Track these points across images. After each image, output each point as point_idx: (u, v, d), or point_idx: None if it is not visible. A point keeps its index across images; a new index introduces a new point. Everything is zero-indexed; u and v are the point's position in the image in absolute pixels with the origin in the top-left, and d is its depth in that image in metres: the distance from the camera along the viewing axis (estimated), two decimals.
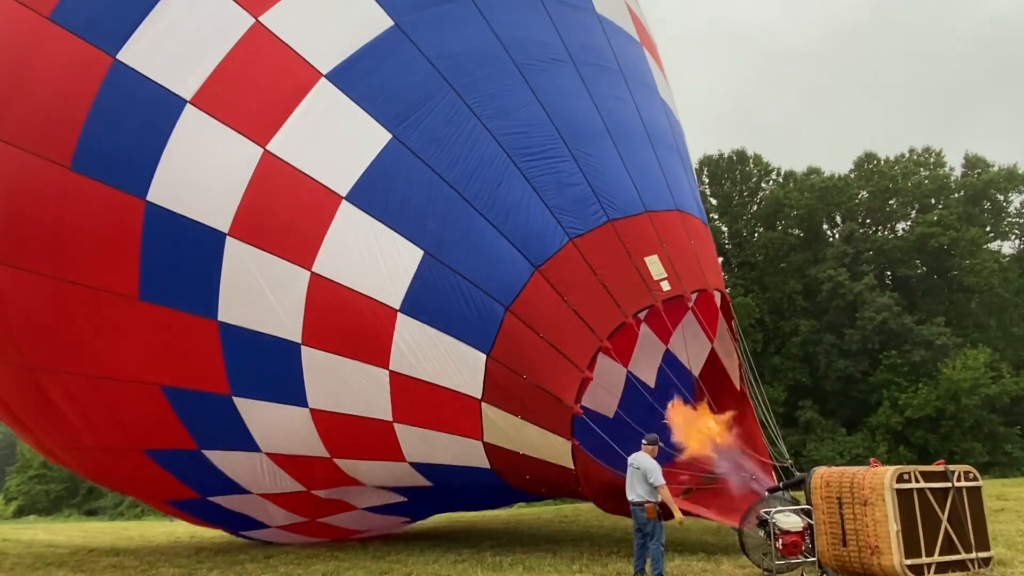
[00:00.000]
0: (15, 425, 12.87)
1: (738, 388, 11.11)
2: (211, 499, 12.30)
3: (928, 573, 7.36)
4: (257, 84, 9.07)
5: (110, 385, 10.24)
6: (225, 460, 10.97)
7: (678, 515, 8.10)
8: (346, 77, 9.09)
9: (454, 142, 9.11)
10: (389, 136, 9.00)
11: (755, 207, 45.17)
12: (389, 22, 9.29)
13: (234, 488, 11.66)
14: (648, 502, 7.90)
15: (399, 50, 9.29)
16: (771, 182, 46.16)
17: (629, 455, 8.42)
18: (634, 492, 8.04)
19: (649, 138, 10.62)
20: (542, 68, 9.91)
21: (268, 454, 10.59)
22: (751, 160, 46.01)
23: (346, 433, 9.88)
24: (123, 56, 8.92)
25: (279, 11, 9.11)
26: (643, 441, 8.25)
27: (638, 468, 8.02)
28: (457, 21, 9.68)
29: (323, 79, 9.04)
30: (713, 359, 11.37)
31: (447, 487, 11.18)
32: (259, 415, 10.01)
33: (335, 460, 10.39)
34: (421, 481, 10.75)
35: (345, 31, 9.27)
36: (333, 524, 13.52)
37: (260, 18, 9.05)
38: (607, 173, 9.70)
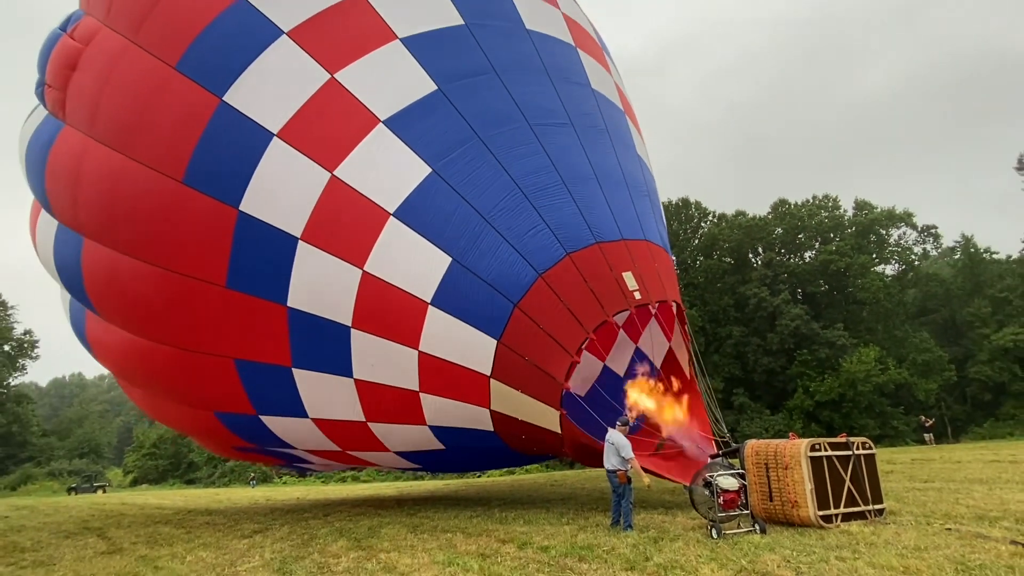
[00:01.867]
0: (121, 378, 12.77)
1: (688, 377, 11.07)
2: (268, 448, 12.24)
3: (836, 521, 7.32)
4: (329, 124, 9.05)
5: (194, 357, 10.16)
6: (277, 424, 10.86)
7: (645, 479, 8.07)
8: (398, 124, 9.06)
9: (479, 177, 9.09)
10: (429, 170, 8.95)
11: (696, 241, 45.39)
12: (433, 86, 9.31)
13: (284, 445, 11.58)
14: (620, 470, 7.88)
15: (440, 107, 9.27)
16: (708, 222, 46.43)
17: (605, 425, 8.46)
18: (609, 462, 8.02)
19: (626, 184, 10.60)
20: (549, 128, 9.94)
21: (313, 419, 10.44)
22: (693, 206, 46.34)
23: (381, 399, 9.72)
24: (228, 98, 8.94)
25: (350, 70, 9.11)
26: (617, 422, 8.23)
27: (612, 443, 8.00)
28: (485, 89, 9.69)
29: (381, 124, 9.01)
30: (670, 354, 11.36)
31: (455, 450, 11.01)
32: (312, 384, 9.87)
33: (369, 424, 10.24)
34: (436, 444, 10.58)
35: (399, 89, 9.26)
36: (362, 463, 13.60)
37: (335, 75, 9.06)
38: (595, 208, 9.68)
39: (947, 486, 10.81)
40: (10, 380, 56.10)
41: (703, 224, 46.44)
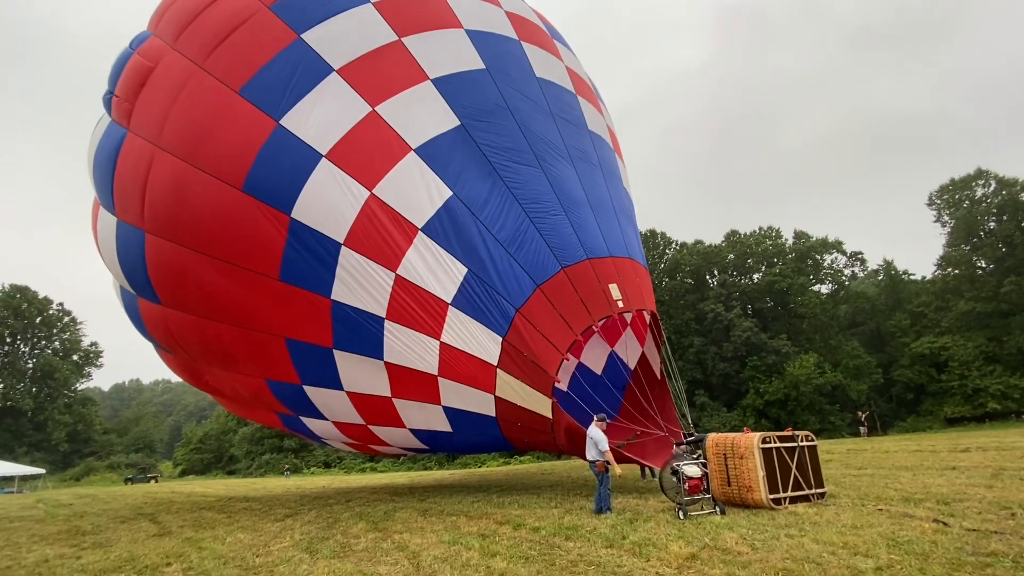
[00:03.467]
0: (170, 352, 12.31)
1: (659, 378, 10.96)
2: (301, 418, 11.97)
3: (784, 503, 7.24)
4: (369, 149, 8.95)
5: (252, 335, 10.02)
6: (317, 394, 10.69)
7: (616, 470, 7.96)
8: (427, 152, 9.04)
9: (491, 201, 9.11)
10: (451, 193, 8.95)
11: (662, 265, 45.61)
12: (457, 122, 9.34)
13: (318, 414, 11.35)
14: (598, 461, 7.77)
15: (462, 139, 9.27)
16: (672, 249, 46.71)
17: (591, 412, 8.42)
18: (589, 454, 7.90)
19: (614, 210, 10.61)
20: (552, 160, 9.95)
21: (347, 392, 10.29)
22: (659, 235, 46.65)
23: (405, 380, 9.63)
24: (284, 122, 8.88)
25: (388, 104, 9.12)
26: (595, 418, 8.13)
27: (591, 437, 7.90)
28: (501, 126, 9.71)
29: (412, 152, 8.99)
30: (643, 358, 11.27)
31: (460, 434, 10.74)
32: (349, 363, 9.77)
33: (393, 399, 10.13)
34: (445, 426, 10.40)
35: (429, 123, 9.24)
36: (375, 448, 13.33)
37: (376, 107, 9.04)
38: (587, 229, 9.68)
39: (878, 472, 10.74)
40: (77, 385, 55.42)
41: (667, 251, 46.72)
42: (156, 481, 40.11)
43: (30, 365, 52.70)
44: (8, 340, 52.23)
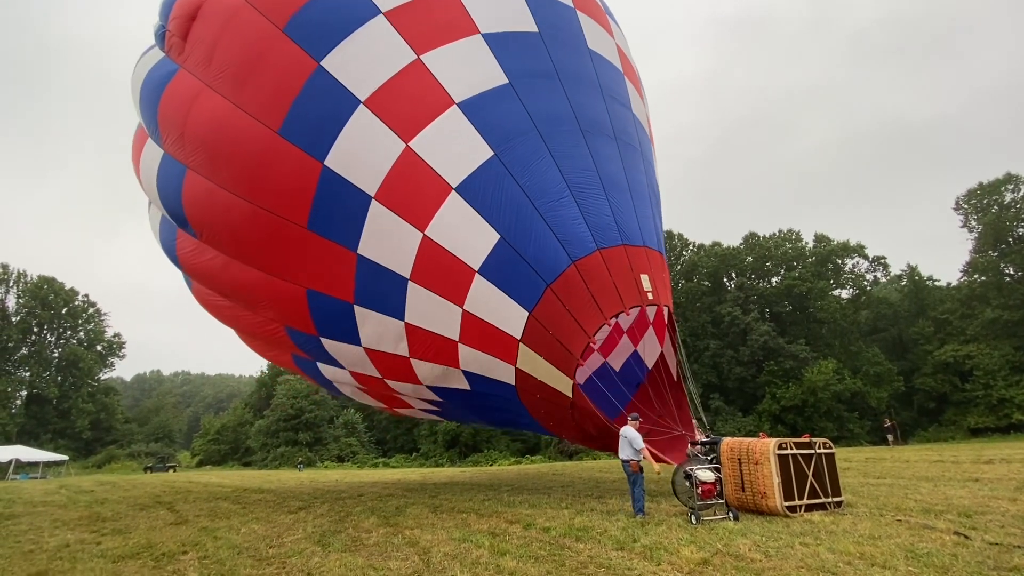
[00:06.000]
0: (205, 286, 12.09)
1: (675, 379, 10.82)
2: (318, 364, 11.83)
3: (800, 511, 7.14)
4: (409, 99, 8.55)
5: (275, 281, 9.88)
6: (333, 346, 10.55)
7: (656, 467, 7.79)
8: (470, 108, 8.70)
9: (533, 167, 8.75)
10: (492, 153, 8.59)
11: (679, 267, 45.20)
12: (505, 80, 8.97)
13: (335, 363, 11.25)
14: (632, 460, 7.66)
15: (509, 99, 8.93)
16: (689, 251, 46.26)
17: (615, 402, 8.35)
18: (624, 453, 7.76)
19: (649, 199, 10.33)
20: (597, 136, 9.62)
21: (365, 348, 10.14)
22: (675, 237, 46.22)
23: (424, 342, 9.44)
24: (325, 63, 8.59)
25: (434, 54, 8.78)
26: (629, 418, 7.97)
27: (626, 437, 7.73)
28: (548, 91, 9.37)
29: (455, 106, 8.66)
30: (661, 357, 11.13)
31: (478, 394, 10.50)
32: (369, 320, 9.57)
33: (411, 360, 9.91)
34: (463, 384, 10.14)
35: (475, 78, 8.87)
36: (388, 396, 12.96)
37: (421, 56, 8.72)
38: (625, 214, 9.38)
39: (897, 482, 10.51)
40: (100, 375, 56.87)
41: (684, 252, 46.29)
42: (174, 470, 40.93)
43: (56, 355, 54.24)
44: (35, 330, 53.83)
